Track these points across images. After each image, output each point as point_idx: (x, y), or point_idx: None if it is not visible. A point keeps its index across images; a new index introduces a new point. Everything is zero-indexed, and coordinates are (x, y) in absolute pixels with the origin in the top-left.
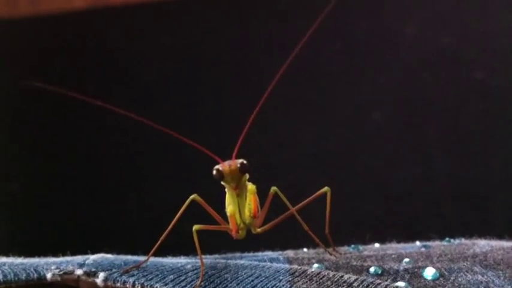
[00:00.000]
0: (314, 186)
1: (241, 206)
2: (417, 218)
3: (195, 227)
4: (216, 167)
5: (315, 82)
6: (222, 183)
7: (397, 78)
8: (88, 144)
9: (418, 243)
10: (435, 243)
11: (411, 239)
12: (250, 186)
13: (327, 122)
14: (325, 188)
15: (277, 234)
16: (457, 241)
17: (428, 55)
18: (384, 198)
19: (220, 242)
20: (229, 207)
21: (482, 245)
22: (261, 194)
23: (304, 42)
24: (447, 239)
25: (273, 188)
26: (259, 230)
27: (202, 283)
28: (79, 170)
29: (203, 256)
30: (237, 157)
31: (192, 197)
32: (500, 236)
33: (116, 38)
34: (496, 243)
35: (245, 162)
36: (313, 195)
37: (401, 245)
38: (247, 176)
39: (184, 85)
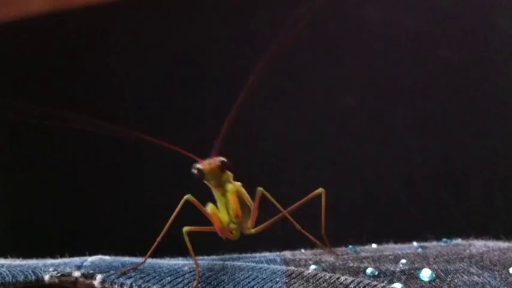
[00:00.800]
0: (290, 175)
1: (227, 206)
2: (393, 199)
3: (185, 229)
4: (196, 165)
5: (284, 72)
6: (205, 182)
7: (366, 62)
8: (81, 145)
9: (415, 243)
10: (432, 244)
11: (388, 220)
12: (230, 186)
13: (299, 111)
14: (320, 189)
15: (275, 234)
16: (454, 242)
17: (394, 37)
18: (360, 182)
19: (217, 242)
20: (209, 207)
21: (479, 245)
22: (247, 190)
23: (280, 44)
24: (444, 239)
25: (259, 189)
26: (253, 230)
27: (199, 285)
28: (72, 172)
29: (200, 257)
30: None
31: (186, 197)
32: (496, 237)
33: (77, 40)
34: (492, 244)
35: (225, 160)
36: (307, 197)
37: (399, 246)
38: (230, 174)
39: (162, 85)
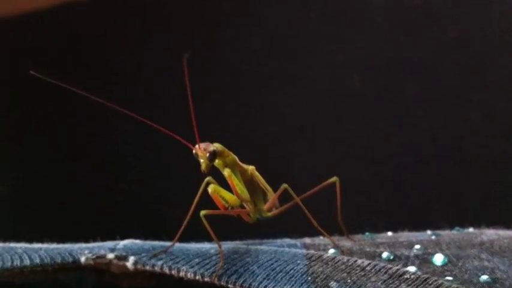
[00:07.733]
0: (299, 158)
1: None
2: (403, 179)
3: (202, 213)
4: (194, 151)
5: (292, 54)
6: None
7: (373, 42)
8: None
9: (428, 231)
10: (445, 232)
11: (399, 201)
12: (226, 171)
13: (307, 93)
14: (334, 178)
15: (295, 222)
16: (466, 230)
17: (401, 16)
18: (370, 162)
19: (239, 230)
20: (210, 188)
21: (489, 233)
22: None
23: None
24: (457, 228)
25: (284, 185)
26: (269, 214)
27: (225, 265)
28: (87, 165)
29: (224, 242)
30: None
31: (206, 179)
32: (507, 226)
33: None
34: (503, 233)
35: (215, 149)
36: (321, 185)
37: (413, 233)
38: (232, 158)
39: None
